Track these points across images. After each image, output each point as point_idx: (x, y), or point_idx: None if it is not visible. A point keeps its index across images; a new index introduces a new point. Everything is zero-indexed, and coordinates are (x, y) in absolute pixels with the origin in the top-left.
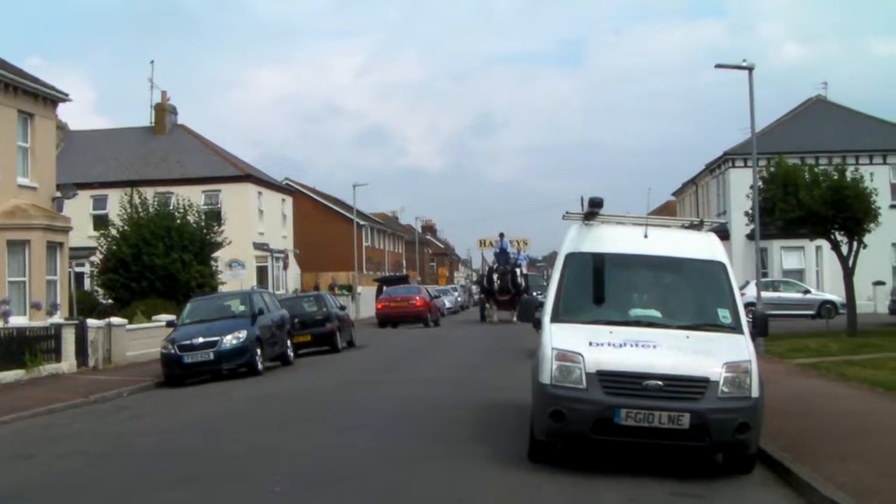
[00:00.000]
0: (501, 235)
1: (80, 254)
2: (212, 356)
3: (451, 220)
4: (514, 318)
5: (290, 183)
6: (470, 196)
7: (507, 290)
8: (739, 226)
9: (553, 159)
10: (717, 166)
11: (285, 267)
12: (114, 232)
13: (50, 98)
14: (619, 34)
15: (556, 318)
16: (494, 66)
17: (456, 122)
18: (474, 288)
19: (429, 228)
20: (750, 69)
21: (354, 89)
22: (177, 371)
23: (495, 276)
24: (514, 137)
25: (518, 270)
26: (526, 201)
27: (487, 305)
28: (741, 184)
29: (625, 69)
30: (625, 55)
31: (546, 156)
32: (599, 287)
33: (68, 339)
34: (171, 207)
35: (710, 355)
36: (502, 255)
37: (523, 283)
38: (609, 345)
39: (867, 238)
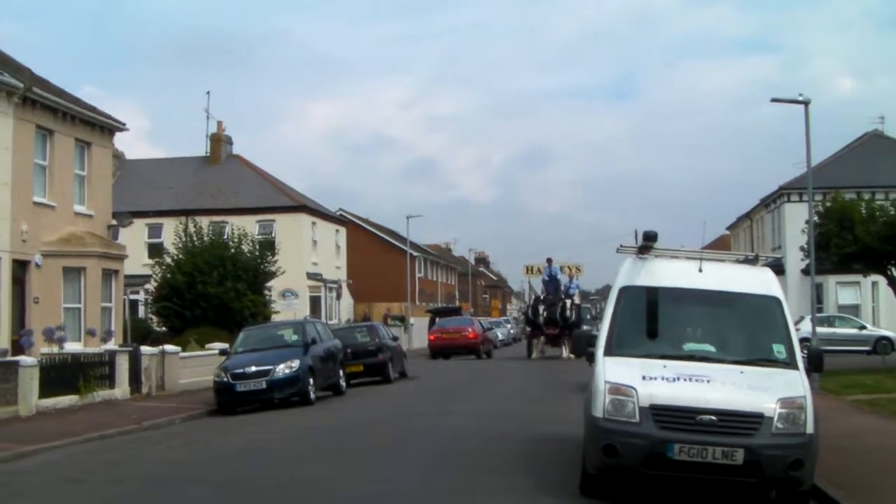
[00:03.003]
0: (549, 261)
1: (134, 281)
2: (264, 385)
3: (503, 252)
4: (564, 354)
5: (344, 213)
6: (520, 228)
7: (555, 323)
8: (795, 261)
9: (604, 192)
10: (772, 201)
11: (338, 297)
12: (168, 260)
13: (107, 127)
14: (671, 69)
15: (609, 352)
16: (545, 100)
17: (506, 155)
18: (515, 320)
19: (482, 260)
20: (806, 103)
21: (404, 122)
22: (229, 399)
23: (541, 308)
24: (564, 170)
25: (569, 301)
26: (577, 234)
27: (534, 340)
28: (796, 218)
29: (677, 104)
30: (677, 90)
31: (597, 189)
32: (653, 321)
33: (122, 365)
34: (225, 237)
35: (765, 391)
36: (551, 283)
37: (573, 316)
38: (662, 379)
39: None
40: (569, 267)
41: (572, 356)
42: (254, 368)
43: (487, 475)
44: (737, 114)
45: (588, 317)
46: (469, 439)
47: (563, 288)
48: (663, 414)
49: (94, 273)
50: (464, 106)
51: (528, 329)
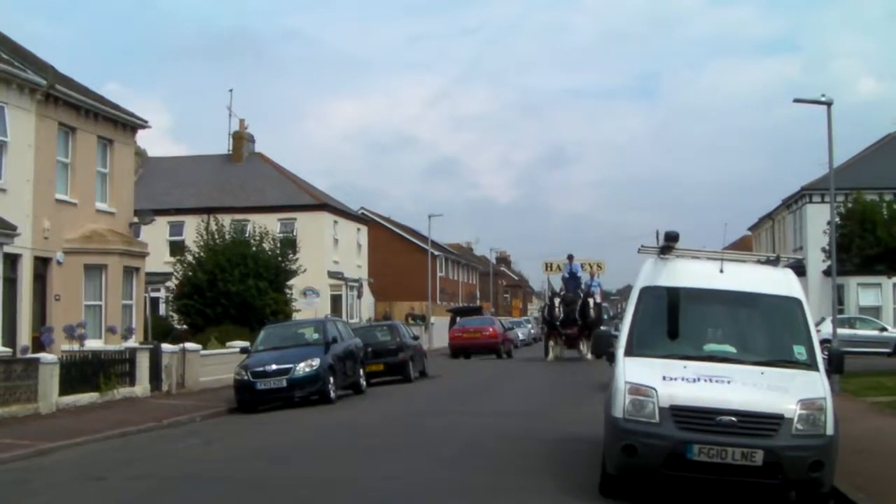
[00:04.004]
0: (570, 258)
1: (155, 279)
2: (284, 383)
3: (524, 252)
4: (585, 355)
5: (366, 212)
6: (542, 228)
7: (574, 322)
8: (816, 262)
9: (626, 193)
10: (793, 202)
11: (359, 296)
12: (190, 258)
13: (129, 124)
14: (693, 69)
15: (629, 352)
16: (568, 100)
17: (528, 155)
18: (536, 320)
19: (503, 260)
20: (828, 104)
21: (426, 121)
22: (249, 397)
23: (557, 304)
24: (586, 171)
25: (591, 300)
26: (598, 234)
27: (551, 342)
28: (818, 219)
29: (700, 104)
30: (700, 90)
31: (619, 189)
32: (674, 321)
33: (143, 363)
34: (247, 235)
35: (785, 392)
36: (571, 280)
37: (594, 314)
38: (683, 379)
39: None
40: (590, 264)
41: (591, 356)
42: (274, 367)
43: (506, 475)
44: (759, 114)
45: (606, 317)
46: (488, 439)
47: (583, 286)
48: (683, 414)
49: (116, 270)
50: (486, 105)
51: (545, 328)
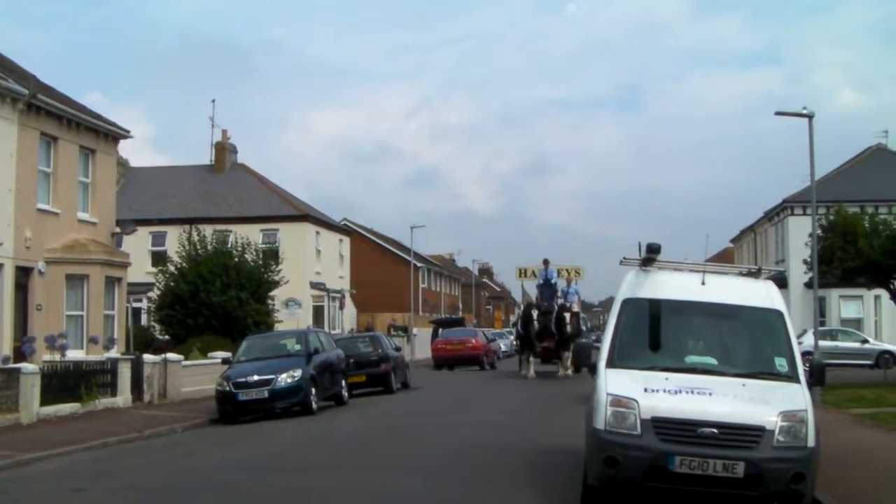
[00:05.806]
0: (546, 263)
1: (137, 289)
2: (266, 394)
3: (506, 263)
4: (561, 372)
5: (348, 223)
6: (524, 239)
7: (550, 335)
8: (798, 274)
9: (608, 204)
10: (775, 214)
11: (341, 307)
12: (172, 268)
13: (111, 134)
14: (676, 81)
15: (611, 364)
16: (550, 111)
17: (510, 166)
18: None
19: (485, 271)
20: (810, 117)
21: (408, 132)
22: (231, 408)
23: (534, 315)
24: (568, 182)
25: (567, 314)
26: (580, 246)
27: (522, 357)
28: (800, 232)
29: (682, 116)
30: (682, 102)
31: (601, 201)
32: (656, 333)
33: (124, 373)
34: (229, 245)
35: (766, 404)
36: (547, 288)
37: (572, 326)
38: (664, 391)
39: None
40: (567, 270)
41: (570, 372)
42: (256, 377)
43: (487, 486)
44: (741, 126)
45: (584, 328)
46: (470, 450)
47: (560, 294)
48: (665, 426)
49: (97, 280)
50: (468, 116)
51: (518, 342)
